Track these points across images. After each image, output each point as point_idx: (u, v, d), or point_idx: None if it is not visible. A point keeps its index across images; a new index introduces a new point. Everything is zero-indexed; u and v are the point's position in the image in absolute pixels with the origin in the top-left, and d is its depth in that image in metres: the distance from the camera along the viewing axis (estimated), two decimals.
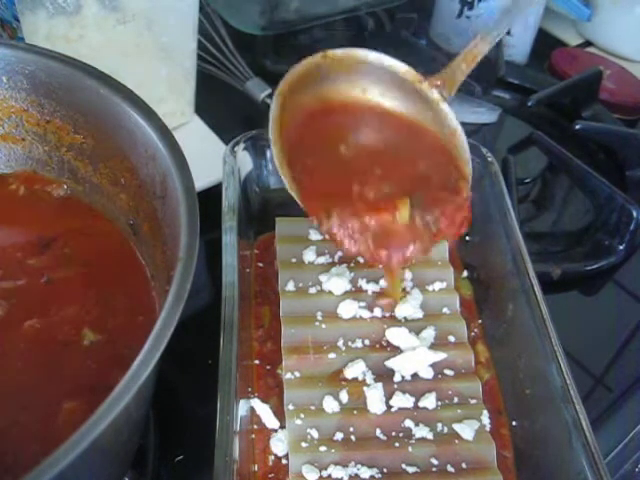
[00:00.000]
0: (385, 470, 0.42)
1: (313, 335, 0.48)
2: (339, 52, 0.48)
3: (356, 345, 0.48)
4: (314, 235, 0.53)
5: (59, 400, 0.36)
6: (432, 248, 0.46)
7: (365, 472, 0.42)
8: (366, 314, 0.49)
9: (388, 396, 0.45)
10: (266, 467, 0.43)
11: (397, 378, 0.46)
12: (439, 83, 0.49)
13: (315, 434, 0.43)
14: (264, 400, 0.45)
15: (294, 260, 0.52)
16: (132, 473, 0.43)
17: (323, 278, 0.50)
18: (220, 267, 0.46)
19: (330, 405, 0.44)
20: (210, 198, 0.51)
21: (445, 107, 0.49)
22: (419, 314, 0.49)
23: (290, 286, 0.50)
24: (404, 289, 0.51)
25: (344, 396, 0.45)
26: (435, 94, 0.49)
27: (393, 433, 0.44)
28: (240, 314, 0.44)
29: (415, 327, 0.48)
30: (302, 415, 0.44)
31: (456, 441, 0.44)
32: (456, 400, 0.46)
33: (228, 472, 0.37)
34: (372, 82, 0.50)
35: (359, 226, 0.43)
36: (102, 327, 0.40)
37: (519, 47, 0.87)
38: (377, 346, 0.48)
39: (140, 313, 0.41)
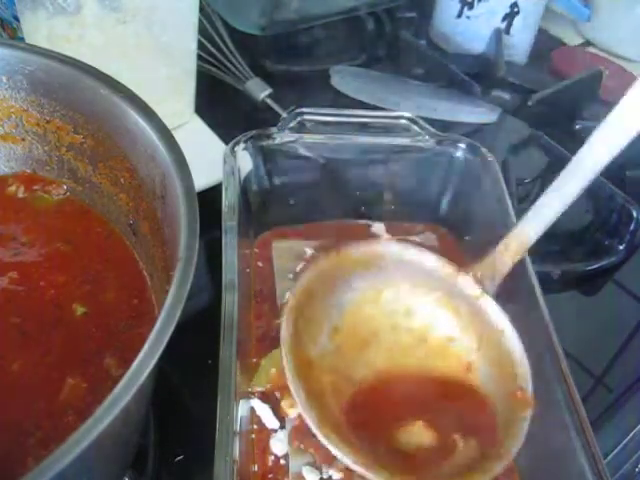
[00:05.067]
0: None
1: None
2: (354, 249, 0.44)
3: None
4: (309, 252, 0.54)
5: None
6: None
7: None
8: None
9: None
10: (266, 467, 0.43)
11: None
12: (479, 275, 0.43)
13: None
14: (264, 400, 0.45)
15: (290, 276, 0.53)
16: (132, 473, 0.43)
17: None
18: (220, 267, 0.46)
19: None
20: (210, 198, 0.51)
21: (487, 303, 0.43)
22: None
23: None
24: None
25: None
26: (473, 288, 0.43)
27: None
28: (240, 314, 0.44)
29: None
30: None
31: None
32: None
33: (228, 472, 0.36)
34: (395, 281, 0.45)
35: None
36: (101, 327, 0.40)
37: (519, 47, 0.87)
38: None
39: (140, 313, 0.41)
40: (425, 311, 0.45)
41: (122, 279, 0.42)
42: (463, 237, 0.58)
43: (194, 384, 0.49)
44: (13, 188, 0.46)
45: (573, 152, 0.68)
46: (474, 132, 0.75)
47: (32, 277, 0.41)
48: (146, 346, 0.28)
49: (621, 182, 0.70)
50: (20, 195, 0.46)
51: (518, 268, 0.49)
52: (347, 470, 0.41)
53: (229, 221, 0.49)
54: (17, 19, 0.51)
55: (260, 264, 0.54)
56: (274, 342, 0.48)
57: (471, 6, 0.84)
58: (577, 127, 0.72)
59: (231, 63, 0.74)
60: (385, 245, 0.45)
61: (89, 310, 0.41)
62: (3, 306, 0.40)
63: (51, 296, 0.41)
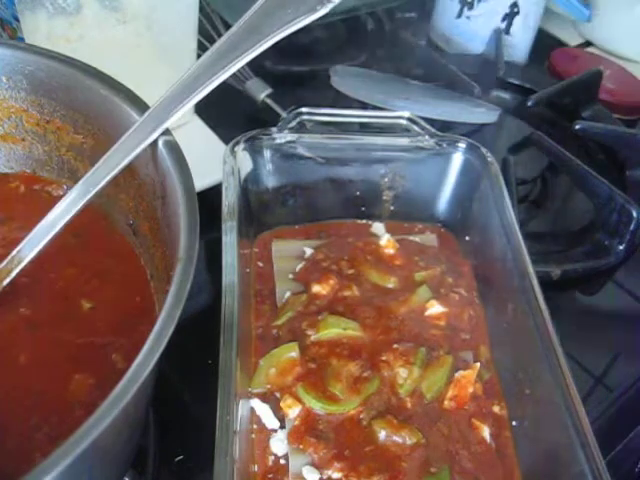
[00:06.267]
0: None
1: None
2: None
3: None
4: (309, 252, 0.54)
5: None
6: None
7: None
8: None
9: None
10: (266, 467, 0.43)
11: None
12: None
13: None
14: (264, 400, 0.45)
15: (291, 276, 0.53)
16: (132, 473, 0.43)
17: None
18: (220, 267, 0.46)
19: None
20: (210, 198, 0.51)
21: None
22: None
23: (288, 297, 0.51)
24: None
25: None
26: None
27: None
28: (240, 314, 0.44)
29: None
30: None
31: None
32: None
33: (228, 472, 0.36)
34: None
35: None
36: (108, 322, 0.40)
37: (519, 47, 0.87)
38: None
39: (143, 311, 0.41)
40: None
41: (125, 276, 0.42)
42: (463, 237, 0.58)
43: (194, 384, 0.49)
44: (13, 186, 0.46)
45: (573, 152, 0.68)
46: (474, 132, 0.75)
47: (42, 267, 0.41)
48: (146, 346, 0.28)
49: (621, 182, 0.70)
50: (22, 191, 0.46)
51: (518, 268, 0.49)
52: (347, 470, 0.41)
53: (229, 221, 0.49)
54: (17, 19, 0.51)
55: (260, 264, 0.54)
56: (274, 342, 0.48)
57: (471, 6, 0.84)
58: (577, 127, 0.72)
59: None
60: None
61: (96, 305, 0.41)
62: (13, 296, 0.40)
63: (60, 288, 0.41)
